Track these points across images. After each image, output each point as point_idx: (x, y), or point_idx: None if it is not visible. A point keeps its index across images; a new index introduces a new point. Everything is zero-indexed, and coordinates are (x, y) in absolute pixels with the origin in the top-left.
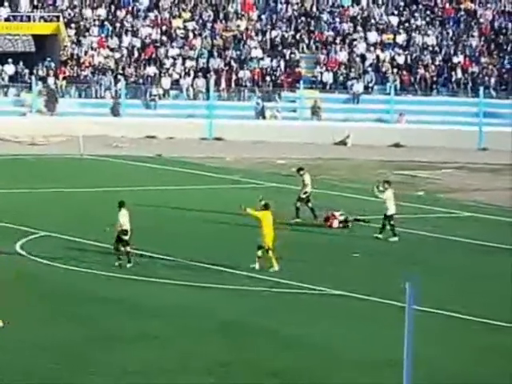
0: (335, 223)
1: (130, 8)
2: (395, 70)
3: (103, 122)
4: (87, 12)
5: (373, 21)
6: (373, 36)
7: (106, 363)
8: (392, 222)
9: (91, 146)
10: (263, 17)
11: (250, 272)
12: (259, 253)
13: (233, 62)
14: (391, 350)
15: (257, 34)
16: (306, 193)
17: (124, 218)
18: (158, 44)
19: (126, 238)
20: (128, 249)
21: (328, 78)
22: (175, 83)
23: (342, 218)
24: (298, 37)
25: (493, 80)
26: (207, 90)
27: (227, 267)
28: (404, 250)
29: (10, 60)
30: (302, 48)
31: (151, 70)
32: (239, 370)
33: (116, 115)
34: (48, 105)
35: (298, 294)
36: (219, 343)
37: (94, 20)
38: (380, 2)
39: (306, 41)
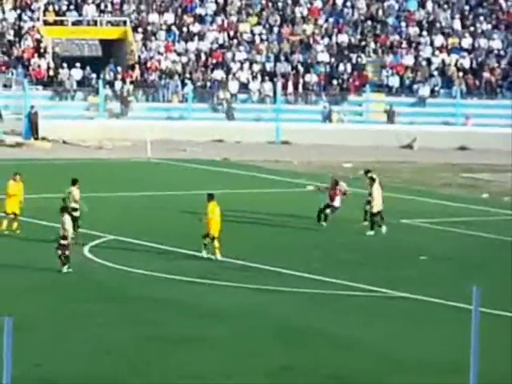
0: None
1: (197, 13)
2: (461, 74)
3: (170, 126)
4: (154, 17)
5: (438, 25)
6: (438, 40)
7: (167, 367)
8: (375, 219)
9: (158, 149)
10: (330, 21)
11: (311, 274)
12: (205, 241)
13: (299, 66)
14: (451, 353)
15: (323, 38)
16: (370, 194)
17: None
18: (225, 48)
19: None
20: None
21: (394, 81)
22: (242, 87)
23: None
24: (364, 41)
25: None
26: (274, 93)
27: (286, 269)
28: (467, 253)
29: (77, 64)
30: (369, 52)
31: (218, 74)
32: (299, 372)
33: (231, 119)
34: (122, 108)
35: (356, 296)
36: (277, 346)
37: (161, 25)
38: (445, 6)
39: (373, 45)
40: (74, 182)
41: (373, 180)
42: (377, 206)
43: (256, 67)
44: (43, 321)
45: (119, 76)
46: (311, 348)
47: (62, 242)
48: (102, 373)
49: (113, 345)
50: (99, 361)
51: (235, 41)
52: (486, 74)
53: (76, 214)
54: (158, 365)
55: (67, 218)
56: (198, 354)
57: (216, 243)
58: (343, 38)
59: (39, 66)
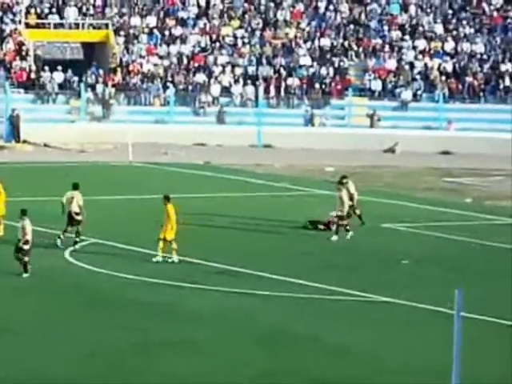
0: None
1: (179, 16)
2: (443, 78)
3: (152, 130)
4: (136, 20)
5: (421, 29)
6: (421, 44)
7: (151, 370)
8: (341, 223)
9: (140, 153)
10: (312, 24)
11: (291, 278)
12: (161, 244)
13: (282, 70)
14: (436, 357)
15: (305, 42)
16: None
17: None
18: (208, 52)
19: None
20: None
21: (377, 85)
22: (224, 91)
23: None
24: (346, 44)
25: None
26: (256, 97)
27: (268, 273)
28: (451, 257)
29: (59, 67)
30: (351, 56)
31: (200, 77)
32: (283, 377)
33: (221, 123)
34: (103, 112)
35: (345, 300)
36: (262, 350)
37: (143, 28)
38: (428, 10)
39: (355, 48)
40: (76, 187)
41: (341, 184)
42: (344, 210)
43: (238, 71)
44: (27, 324)
45: (101, 79)
46: (296, 352)
47: (24, 246)
48: (85, 376)
49: (97, 348)
50: (83, 364)
51: (217, 44)
52: (469, 79)
53: (78, 217)
54: (141, 368)
55: (28, 223)
56: (182, 358)
57: (174, 245)
58: (325, 42)
59: (21, 69)
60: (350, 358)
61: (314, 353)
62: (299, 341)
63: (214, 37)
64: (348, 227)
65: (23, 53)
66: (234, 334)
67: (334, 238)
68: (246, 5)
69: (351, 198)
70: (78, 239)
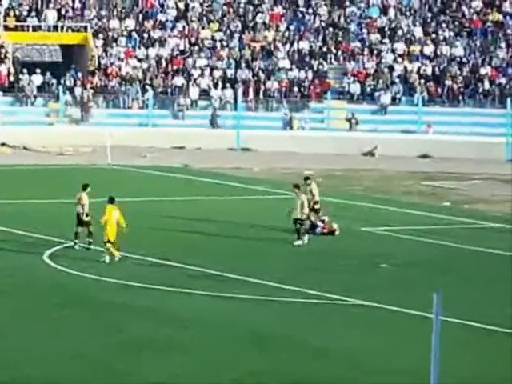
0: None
1: (158, 19)
2: (423, 81)
3: (131, 133)
4: (115, 22)
5: (400, 32)
6: (400, 47)
7: (134, 373)
8: (298, 227)
9: (119, 156)
10: (291, 28)
11: (275, 282)
12: (108, 246)
13: (260, 73)
14: (417, 361)
15: (284, 45)
16: (316, 203)
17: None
18: (186, 54)
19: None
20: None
21: (356, 88)
22: (203, 93)
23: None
24: (325, 48)
25: None
26: (235, 100)
27: (250, 277)
28: (430, 261)
29: (37, 70)
30: (330, 59)
31: (179, 80)
32: (266, 379)
33: (215, 127)
34: (82, 115)
35: (325, 304)
36: (245, 353)
37: (122, 30)
38: (407, 14)
39: (334, 52)
40: (85, 188)
41: (297, 188)
42: (304, 213)
43: (217, 73)
44: (8, 325)
45: (79, 82)
46: (279, 354)
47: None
48: (69, 377)
49: (80, 350)
50: (66, 365)
51: (196, 47)
52: (448, 82)
53: (87, 218)
54: (125, 370)
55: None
56: (167, 360)
57: (112, 245)
58: (304, 45)
59: None
60: (333, 360)
61: (297, 355)
62: (282, 343)
63: (193, 40)
64: (304, 232)
65: (2, 55)
66: (219, 336)
67: (298, 242)
68: (225, 8)
69: (315, 202)
70: (90, 240)
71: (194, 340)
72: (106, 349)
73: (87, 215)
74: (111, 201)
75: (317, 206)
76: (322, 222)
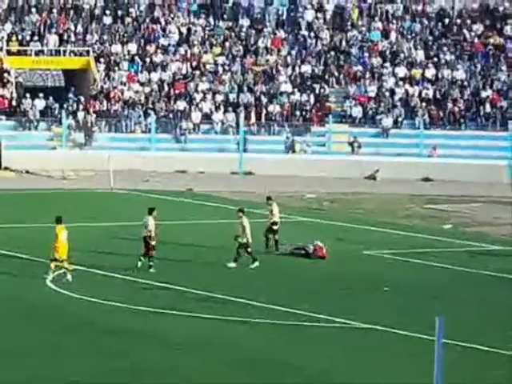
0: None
1: (160, 43)
2: (424, 105)
3: (133, 157)
4: (117, 47)
5: (402, 55)
6: (402, 71)
7: None
8: (249, 250)
9: (121, 180)
10: (293, 52)
11: (274, 305)
12: (52, 265)
13: (262, 97)
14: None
15: (286, 69)
16: (275, 223)
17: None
18: (188, 79)
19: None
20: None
21: (357, 112)
22: (205, 117)
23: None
24: (327, 71)
25: None
26: (237, 124)
27: (248, 300)
28: (431, 284)
29: (40, 94)
30: (332, 82)
31: (181, 104)
32: None
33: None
34: (86, 139)
35: (324, 327)
36: (244, 377)
37: (124, 55)
38: (409, 37)
39: (336, 75)
40: (151, 211)
41: (242, 212)
42: (246, 237)
43: (219, 98)
44: (7, 349)
45: (82, 106)
46: (277, 379)
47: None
48: None
49: (78, 375)
50: None
51: (198, 71)
52: (450, 105)
53: (153, 242)
54: None
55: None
56: None
57: (66, 265)
58: (306, 69)
59: (2, 96)
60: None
61: (295, 380)
62: (281, 367)
63: (195, 64)
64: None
65: (4, 80)
66: (216, 360)
67: (232, 264)
68: (226, 32)
69: (274, 222)
70: (151, 263)
71: (193, 364)
72: (104, 374)
73: (152, 238)
74: (59, 221)
75: (275, 227)
76: (314, 246)
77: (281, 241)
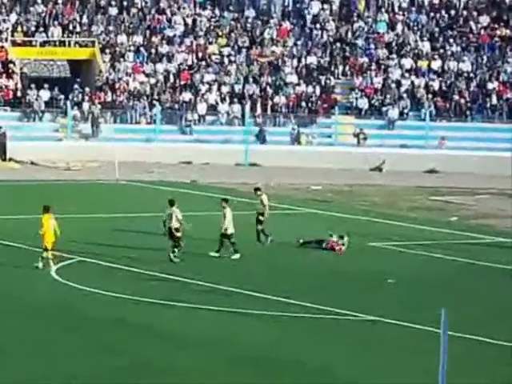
0: (342, 248)
1: (166, 34)
2: (430, 96)
3: (138, 148)
4: (122, 38)
5: (408, 47)
6: (408, 62)
7: None
8: (233, 240)
9: (126, 171)
10: (298, 43)
11: (279, 297)
12: (44, 254)
13: (268, 88)
14: (424, 377)
15: (292, 60)
16: (262, 214)
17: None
18: (194, 70)
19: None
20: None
21: (363, 103)
22: (211, 109)
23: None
24: (333, 63)
25: None
26: (243, 115)
27: (252, 291)
28: (436, 276)
29: (45, 85)
30: (338, 74)
31: (187, 95)
32: None
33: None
34: (92, 130)
35: (331, 319)
36: (246, 373)
37: (130, 46)
38: (415, 29)
39: (342, 67)
40: (172, 203)
41: (226, 202)
42: (230, 228)
43: (224, 89)
44: (9, 344)
45: (87, 97)
46: (280, 374)
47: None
48: None
49: (79, 371)
50: None
51: (204, 62)
52: (456, 97)
53: (178, 234)
54: None
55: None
56: (164, 382)
57: (49, 254)
58: (312, 60)
59: (7, 87)
60: (336, 379)
61: (298, 374)
62: (284, 362)
63: (201, 55)
64: (236, 247)
65: (9, 71)
66: (220, 356)
67: (236, 256)
68: (232, 23)
69: (262, 213)
70: (176, 254)
71: (192, 359)
72: (104, 370)
73: (177, 230)
74: (47, 210)
75: (261, 218)
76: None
77: (285, 233)
